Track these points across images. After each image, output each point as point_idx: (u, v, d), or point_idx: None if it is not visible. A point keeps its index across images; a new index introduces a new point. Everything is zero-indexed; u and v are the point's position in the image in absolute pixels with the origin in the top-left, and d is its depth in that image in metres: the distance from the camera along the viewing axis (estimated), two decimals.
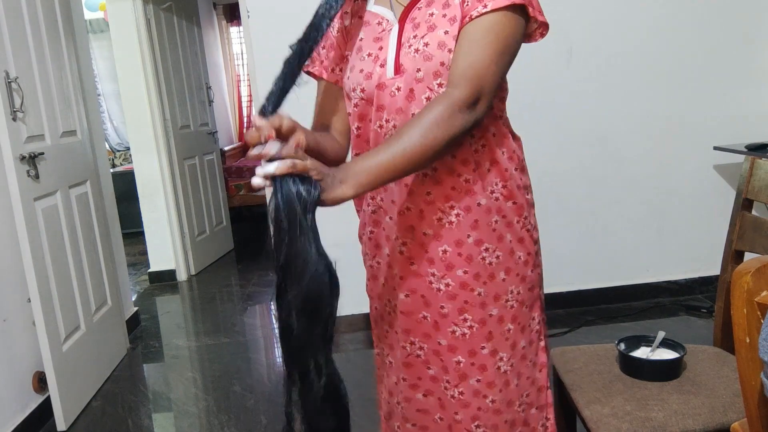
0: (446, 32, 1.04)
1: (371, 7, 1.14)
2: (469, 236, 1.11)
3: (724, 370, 1.40)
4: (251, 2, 2.74)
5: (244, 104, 6.82)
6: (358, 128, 1.15)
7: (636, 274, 3.06)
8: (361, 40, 1.12)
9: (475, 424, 1.16)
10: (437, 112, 0.95)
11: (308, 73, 1.17)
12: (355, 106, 1.12)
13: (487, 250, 1.13)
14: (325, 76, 1.18)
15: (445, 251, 1.12)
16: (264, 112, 0.91)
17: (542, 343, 1.24)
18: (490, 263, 1.14)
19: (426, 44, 1.04)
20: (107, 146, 6.02)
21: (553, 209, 2.96)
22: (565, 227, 2.98)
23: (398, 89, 1.06)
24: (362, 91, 1.10)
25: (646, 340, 1.50)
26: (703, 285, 3.05)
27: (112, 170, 4.06)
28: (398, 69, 1.06)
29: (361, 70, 1.10)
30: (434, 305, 1.15)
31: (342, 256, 1.26)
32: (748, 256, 1.28)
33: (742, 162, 1.52)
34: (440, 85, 1.05)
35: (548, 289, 3.30)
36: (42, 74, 2.45)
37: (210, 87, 4.83)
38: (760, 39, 2.90)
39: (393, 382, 1.25)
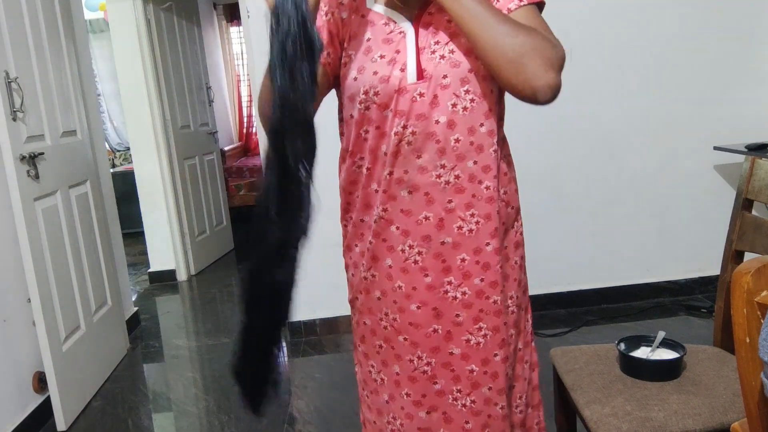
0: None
1: (373, 6, 1.09)
2: (488, 244, 1.10)
3: (724, 370, 1.40)
4: (251, 2, 2.74)
5: (244, 104, 6.82)
6: (365, 132, 1.09)
7: (636, 274, 3.06)
8: (368, 40, 1.07)
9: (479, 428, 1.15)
10: (540, 35, 0.97)
11: None
12: (366, 109, 1.07)
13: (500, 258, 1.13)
14: None
15: (463, 260, 1.10)
16: None
17: (533, 343, 1.25)
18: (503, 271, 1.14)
19: (452, 51, 1.03)
20: (107, 146, 6.03)
21: (554, 209, 2.96)
22: (565, 227, 2.98)
23: (421, 95, 1.03)
24: (376, 94, 1.05)
25: (646, 340, 1.50)
26: (703, 285, 3.05)
27: (112, 170, 4.07)
28: (421, 74, 1.03)
29: (375, 72, 1.05)
30: (448, 315, 1.11)
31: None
32: (748, 256, 1.28)
33: (742, 162, 1.52)
34: (467, 91, 1.04)
35: (549, 289, 3.32)
36: (42, 74, 2.45)
37: (210, 87, 4.83)
38: (760, 39, 2.90)
39: (384, 400, 1.19)
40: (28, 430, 2.30)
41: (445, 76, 1.03)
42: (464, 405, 1.14)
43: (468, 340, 1.13)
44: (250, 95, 6.65)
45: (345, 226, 1.19)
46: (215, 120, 4.94)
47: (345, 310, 1.26)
